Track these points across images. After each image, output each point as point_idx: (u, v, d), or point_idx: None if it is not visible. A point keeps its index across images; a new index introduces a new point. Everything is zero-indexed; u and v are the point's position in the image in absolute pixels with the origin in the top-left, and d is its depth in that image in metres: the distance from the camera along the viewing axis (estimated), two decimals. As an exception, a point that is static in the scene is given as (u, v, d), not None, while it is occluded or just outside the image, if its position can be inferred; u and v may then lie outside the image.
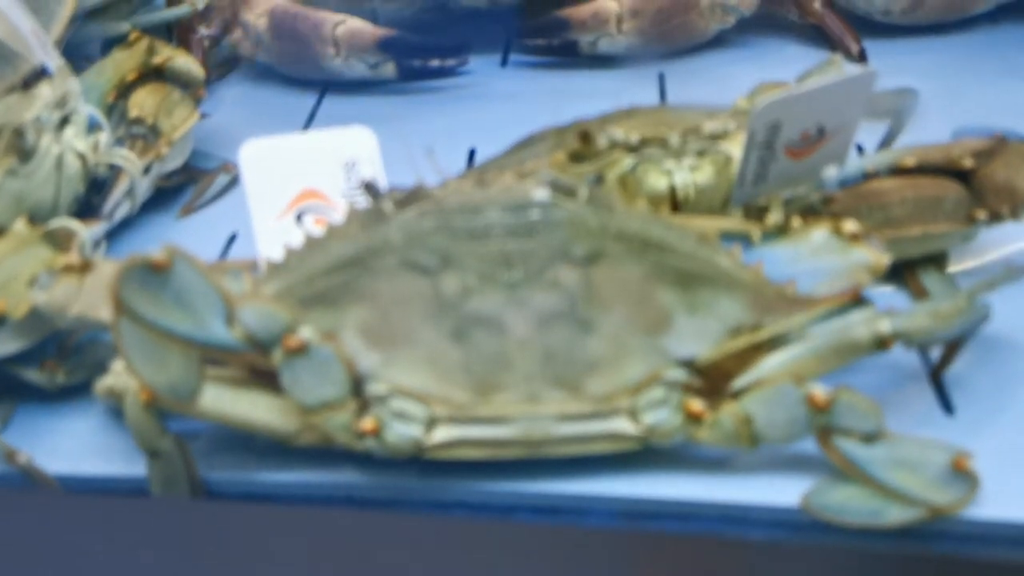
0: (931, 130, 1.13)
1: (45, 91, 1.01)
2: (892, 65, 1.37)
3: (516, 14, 1.50)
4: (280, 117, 1.40)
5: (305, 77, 1.45)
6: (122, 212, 1.08)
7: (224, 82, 1.50)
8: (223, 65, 1.52)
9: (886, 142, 1.12)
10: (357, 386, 0.74)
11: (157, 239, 1.09)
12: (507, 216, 0.76)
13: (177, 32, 1.51)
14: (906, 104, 1.11)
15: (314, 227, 0.85)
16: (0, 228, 0.92)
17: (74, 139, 1.02)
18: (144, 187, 1.10)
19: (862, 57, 1.41)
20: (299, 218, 0.87)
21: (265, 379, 0.75)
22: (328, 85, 1.44)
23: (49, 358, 0.86)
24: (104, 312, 0.79)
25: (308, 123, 1.38)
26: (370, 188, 0.80)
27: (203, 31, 1.49)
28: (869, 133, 1.11)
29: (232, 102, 1.45)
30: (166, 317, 0.70)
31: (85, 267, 0.82)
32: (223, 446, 0.80)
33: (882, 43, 1.43)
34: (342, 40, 1.39)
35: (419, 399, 0.73)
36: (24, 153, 0.96)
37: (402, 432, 0.73)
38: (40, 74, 1.03)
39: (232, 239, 1.11)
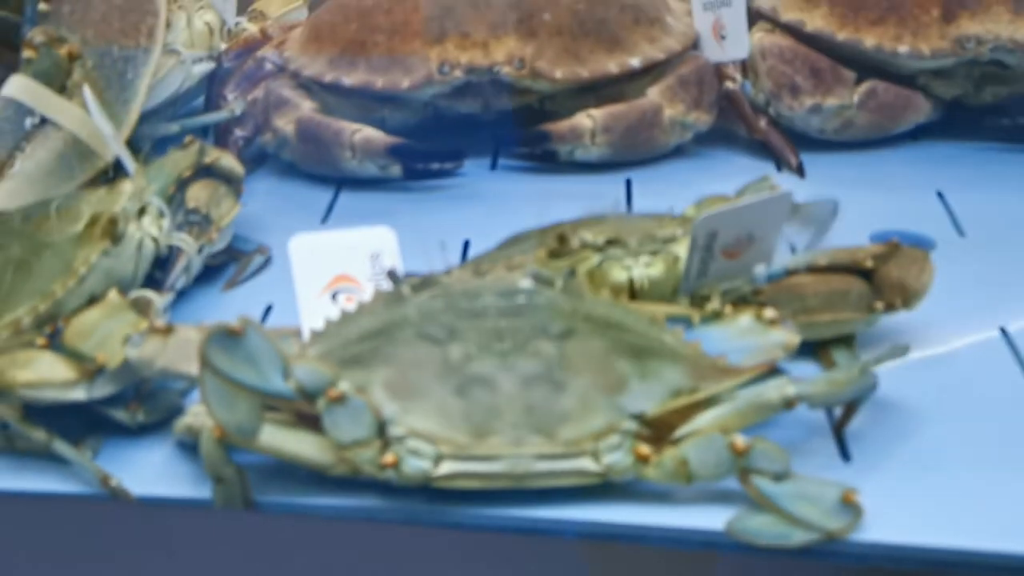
0: (854, 233, 1.28)
1: (127, 186, 1.18)
2: (826, 176, 1.56)
3: (504, 124, 1.64)
4: (302, 208, 1.55)
5: (323, 174, 1.59)
6: (180, 284, 1.22)
7: (253, 176, 1.62)
8: (253, 161, 1.66)
9: (813, 243, 1.29)
10: (381, 429, 0.90)
11: (207, 309, 1.26)
12: (500, 300, 0.93)
13: (216, 132, 1.68)
14: (828, 212, 1.27)
15: (346, 304, 1.01)
16: (95, 297, 1.09)
17: (150, 226, 1.18)
18: (197, 265, 1.25)
19: (800, 169, 1.57)
20: (334, 297, 1.03)
21: (308, 422, 0.91)
22: (343, 182, 1.59)
23: (131, 401, 1.01)
24: (183, 366, 0.96)
25: (327, 214, 1.53)
26: (392, 275, 0.97)
27: (238, 132, 1.65)
28: (799, 234, 1.28)
29: (261, 194, 1.58)
30: (238, 371, 0.86)
31: (168, 331, 0.97)
32: (271, 476, 0.95)
33: (818, 156, 1.58)
34: (358, 146, 1.53)
35: (429, 440, 0.88)
36: (116, 238, 1.12)
37: (415, 465, 0.89)
38: (122, 171, 1.20)
39: (269, 309, 1.26)
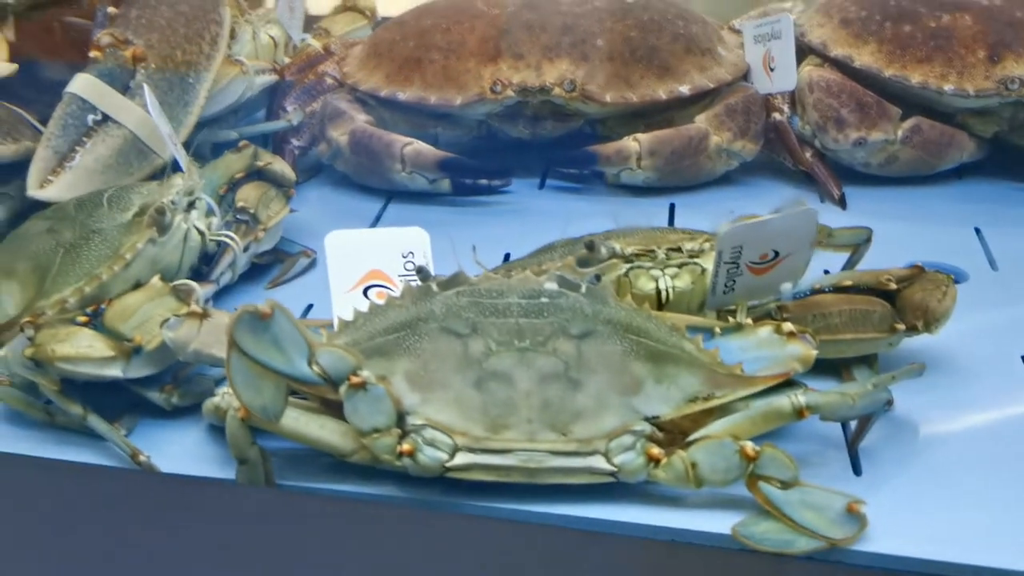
0: (892, 262, 1.27)
1: (178, 181, 1.21)
2: (867, 209, 1.55)
3: (553, 145, 1.66)
4: (352, 216, 1.57)
5: (374, 186, 1.62)
6: (225, 280, 1.25)
7: (307, 184, 1.67)
8: (308, 171, 1.70)
9: (848, 268, 1.29)
10: (400, 418, 0.91)
11: (254, 302, 1.27)
12: (523, 300, 0.94)
13: (273, 141, 1.72)
14: (861, 239, 1.27)
15: (377, 299, 1.03)
16: (139, 282, 1.12)
17: (197, 220, 1.21)
18: (243, 262, 1.28)
19: (842, 201, 1.57)
20: (366, 292, 1.05)
21: (331, 409, 0.93)
22: (392, 194, 1.61)
23: (167, 383, 1.03)
24: (215, 350, 0.98)
25: (375, 223, 1.55)
26: (422, 272, 0.99)
27: (295, 142, 1.68)
28: (839, 260, 1.28)
29: (314, 201, 1.62)
30: (264, 354, 0.88)
31: (204, 315, 1.00)
32: (293, 462, 0.97)
33: (861, 189, 1.59)
34: (408, 158, 1.56)
35: (446, 431, 0.90)
36: (163, 227, 1.14)
37: (431, 455, 0.90)
38: (175, 167, 1.23)
39: (309, 308, 1.29)
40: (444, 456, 0.90)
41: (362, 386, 0.89)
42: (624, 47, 1.62)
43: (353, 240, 1.06)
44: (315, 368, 0.89)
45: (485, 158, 1.63)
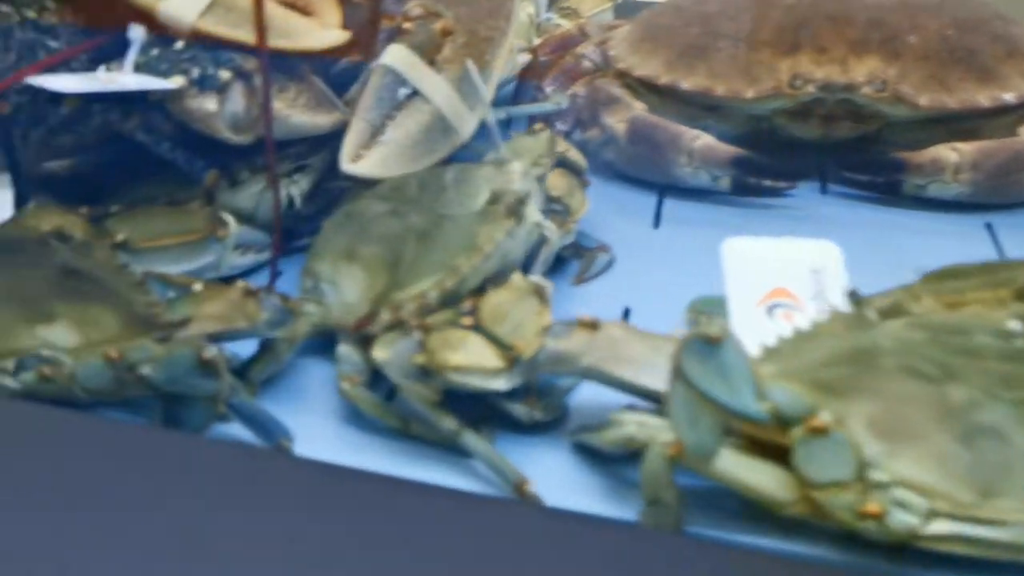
0: None
1: (516, 166, 1.07)
2: None
3: (836, 148, 1.49)
4: (629, 210, 1.43)
5: (646, 177, 1.47)
6: (538, 272, 1.11)
7: None
8: None
9: None
10: (859, 471, 0.75)
11: (560, 302, 1.11)
12: (995, 340, 0.77)
13: (531, 124, 1.57)
14: None
15: (784, 321, 0.86)
16: (488, 278, 0.97)
17: (534, 210, 1.07)
18: (553, 255, 1.14)
19: None
20: (770, 311, 0.89)
21: (760, 450, 0.77)
22: (664, 187, 1.46)
23: (529, 396, 0.88)
24: (612, 367, 0.82)
25: (656, 219, 1.41)
26: (854, 296, 0.82)
27: (560, 126, 1.54)
28: None
29: None
30: (709, 384, 0.72)
31: (595, 326, 0.84)
32: (702, 504, 0.81)
33: None
34: (698, 153, 1.41)
35: (921, 492, 0.73)
36: (520, 217, 1.01)
37: (903, 519, 0.73)
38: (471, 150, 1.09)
39: (627, 313, 1.14)
40: (917, 521, 0.73)
41: (823, 431, 0.72)
42: (940, 46, 1.44)
43: (754, 251, 0.90)
44: (765, 405, 0.73)
45: (773, 157, 1.45)
